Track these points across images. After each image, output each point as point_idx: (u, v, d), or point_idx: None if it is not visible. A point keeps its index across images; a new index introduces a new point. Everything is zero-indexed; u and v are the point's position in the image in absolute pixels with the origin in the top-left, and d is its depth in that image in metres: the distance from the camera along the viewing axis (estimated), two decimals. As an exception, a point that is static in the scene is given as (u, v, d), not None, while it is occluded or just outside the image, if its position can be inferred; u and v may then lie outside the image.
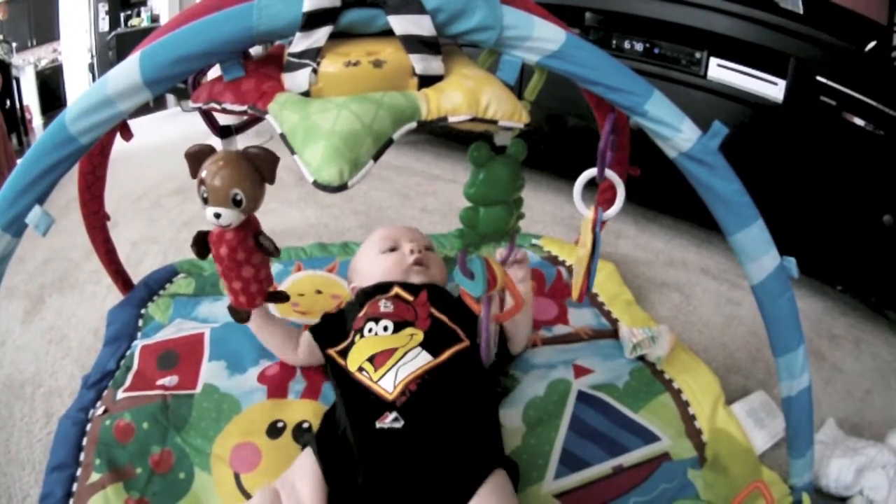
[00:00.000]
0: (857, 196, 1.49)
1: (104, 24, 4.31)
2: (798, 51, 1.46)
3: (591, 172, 0.95)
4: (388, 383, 0.97)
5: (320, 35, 0.70)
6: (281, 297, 1.09)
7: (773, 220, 0.82)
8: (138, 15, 4.35)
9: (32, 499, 1.01)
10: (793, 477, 0.99)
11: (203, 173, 0.86)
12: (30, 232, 0.75)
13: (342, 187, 0.66)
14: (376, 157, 0.69)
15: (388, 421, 0.92)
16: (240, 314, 1.06)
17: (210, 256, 1.00)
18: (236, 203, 0.86)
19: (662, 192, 1.72)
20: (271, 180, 0.87)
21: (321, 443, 0.94)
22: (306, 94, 0.72)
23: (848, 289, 1.64)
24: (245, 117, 0.89)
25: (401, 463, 0.89)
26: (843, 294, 1.67)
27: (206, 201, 0.87)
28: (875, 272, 1.53)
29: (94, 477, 0.98)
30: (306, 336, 1.17)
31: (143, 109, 0.76)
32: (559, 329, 1.37)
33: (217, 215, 0.87)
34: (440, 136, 2.73)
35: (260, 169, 0.86)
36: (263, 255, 0.98)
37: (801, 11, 1.49)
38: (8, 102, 3.73)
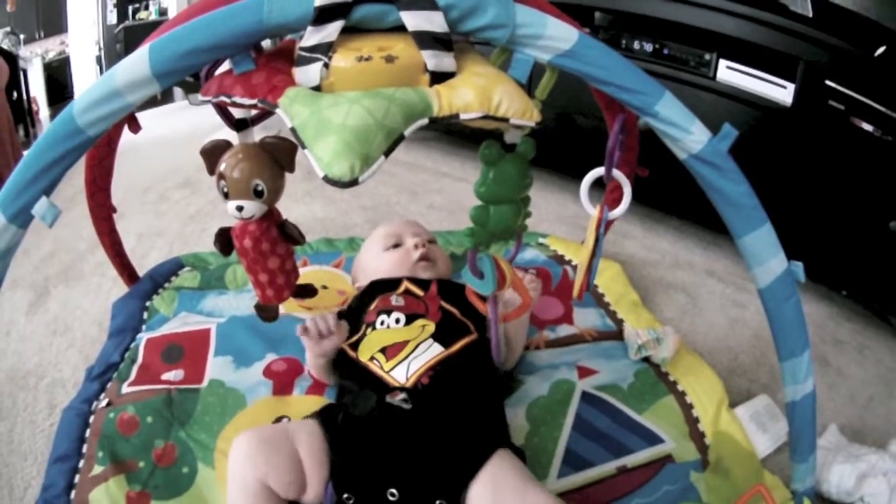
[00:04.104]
0: (864, 202, 1.49)
1: (112, 17, 4.31)
2: (807, 54, 1.46)
3: (598, 172, 0.95)
4: (401, 375, 0.97)
5: (332, 29, 0.70)
6: (309, 292, 1.06)
7: (780, 224, 0.82)
8: (146, 8, 4.34)
9: (34, 490, 1.01)
10: (795, 482, 0.99)
11: (222, 167, 0.85)
12: (35, 223, 0.75)
13: (353, 182, 0.66)
14: (387, 153, 0.69)
15: (398, 399, 0.92)
16: (268, 311, 1.03)
17: (234, 253, 0.97)
18: (257, 194, 0.85)
19: (670, 194, 1.72)
20: (291, 169, 0.87)
21: (325, 417, 0.95)
22: (317, 88, 0.72)
23: (853, 294, 1.63)
24: (255, 111, 0.88)
25: (407, 437, 0.89)
26: (848, 300, 1.66)
27: (226, 196, 0.86)
28: (880, 278, 1.53)
29: (97, 469, 0.98)
30: None
31: (151, 102, 0.76)
32: (563, 330, 1.37)
33: (239, 208, 0.86)
34: (449, 133, 2.73)
35: (278, 158, 0.86)
36: (288, 245, 0.97)
37: (811, 15, 1.48)
38: (15, 94, 3.73)
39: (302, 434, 0.90)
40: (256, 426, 0.97)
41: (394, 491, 0.85)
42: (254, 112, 0.91)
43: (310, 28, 0.70)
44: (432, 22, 0.70)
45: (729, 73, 1.61)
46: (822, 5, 1.48)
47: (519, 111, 0.73)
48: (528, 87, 0.77)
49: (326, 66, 0.71)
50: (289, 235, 0.94)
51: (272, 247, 0.93)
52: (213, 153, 0.87)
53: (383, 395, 0.94)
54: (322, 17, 0.69)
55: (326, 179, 0.66)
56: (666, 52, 1.72)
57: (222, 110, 0.89)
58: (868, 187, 1.47)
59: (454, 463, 0.86)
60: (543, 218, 2.00)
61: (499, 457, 0.87)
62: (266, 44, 0.83)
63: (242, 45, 0.72)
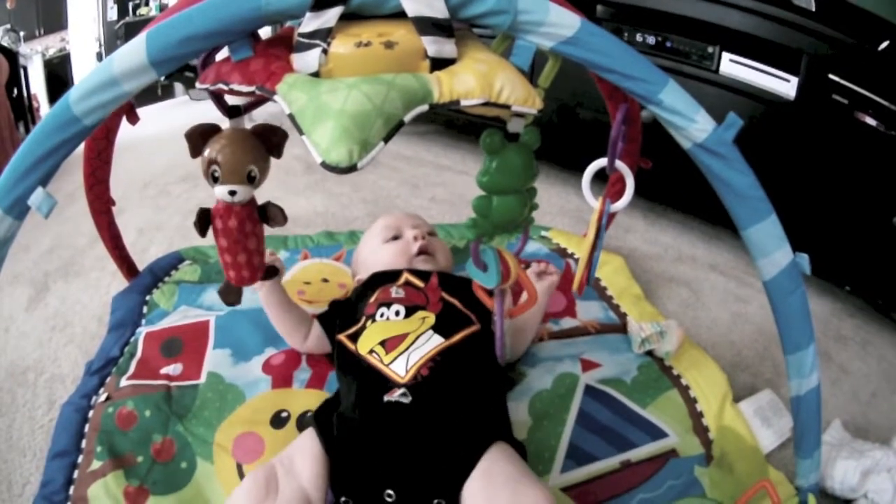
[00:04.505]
0: (867, 197, 1.48)
1: (112, 13, 4.30)
2: (810, 48, 1.45)
3: (601, 163, 0.94)
4: (400, 367, 0.95)
5: (331, 15, 0.69)
6: (271, 272, 1.09)
7: (782, 219, 0.80)
8: (147, 4, 4.33)
9: (33, 486, 1.01)
10: (799, 477, 0.98)
11: (215, 153, 0.85)
12: (36, 219, 0.75)
13: (351, 168, 0.65)
14: (387, 139, 0.68)
15: (396, 395, 0.91)
16: (235, 294, 1.04)
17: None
18: (251, 179, 0.85)
19: (672, 187, 1.71)
20: (279, 155, 0.87)
21: (321, 419, 0.94)
22: (316, 74, 0.71)
23: (856, 290, 1.62)
24: (251, 98, 0.88)
25: (405, 435, 0.88)
26: (851, 295, 1.65)
27: (216, 180, 0.86)
28: (884, 274, 1.52)
29: (96, 464, 0.97)
30: (318, 326, 1.16)
31: (152, 98, 0.75)
32: (566, 322, 1.36)
33: (233, 192, 0.86)
34: (450, 126, 2.72)
35: (269, 144, 0.87)
36: (261, 225, 0.98)
37: (813, 8, 1.47)
38: (16, 91, 3.72)
39: (301, 461, 0.87)
40: (248, 479, 0.85)
41: (390, 492, 0.84)
42: (249, 100, 0.90)
43: (308, 14, 0.69)
44: (433, 8, 0.69)
45: (732, 66, 1.60)
46: (825, -1, 1.47)
47: (521, 98, 0.72)
48: (531, 77, 0.76)
49: (325, 52, 0.70)
50: (273, 218, 0.96)
51: (253, 227, 0.95)
52: (201, 136, 0.87)
53: (381, 394, 0.92)
54: (321, 2, 0.68)
55: (324, 165, 0.65)
56: (668, 44, 1.71)
57: (217, 98, 0.89)
58: (871, 182, 1.46)
59: (451, 460, 0.85)
60: (546, 211, 1.99)
61: (494, 450, 0.86)
62: (266, 31, 0.82)
63: (241, 32, 0.71)
